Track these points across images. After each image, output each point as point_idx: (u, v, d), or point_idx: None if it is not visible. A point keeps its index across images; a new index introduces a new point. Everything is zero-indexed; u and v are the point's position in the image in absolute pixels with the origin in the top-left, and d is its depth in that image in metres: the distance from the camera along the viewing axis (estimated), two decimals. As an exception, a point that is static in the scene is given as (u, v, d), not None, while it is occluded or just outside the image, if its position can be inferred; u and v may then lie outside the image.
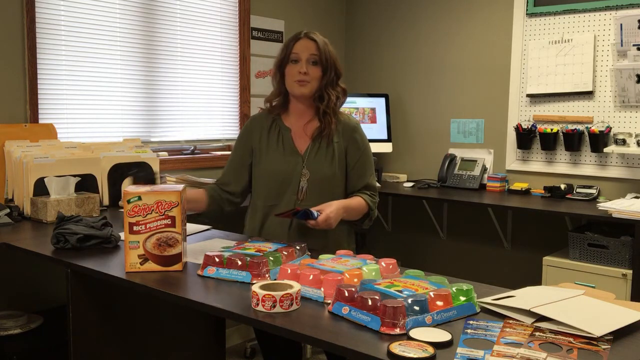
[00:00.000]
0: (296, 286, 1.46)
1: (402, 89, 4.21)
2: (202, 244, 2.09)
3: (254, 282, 1.60)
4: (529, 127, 3.60)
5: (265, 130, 2.23)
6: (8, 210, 2.43)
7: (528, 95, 3.65)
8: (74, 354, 1.92)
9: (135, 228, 1.71)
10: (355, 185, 2.23)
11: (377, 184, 2.35)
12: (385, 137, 4.04)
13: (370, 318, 1.30)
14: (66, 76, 2.99)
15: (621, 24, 3.25)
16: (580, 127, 3.43)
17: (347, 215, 2.13)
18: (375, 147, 4.05)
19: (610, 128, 3.33)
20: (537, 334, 1.27)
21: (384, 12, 4.32)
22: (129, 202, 1.70)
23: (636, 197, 3.12)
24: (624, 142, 3.23)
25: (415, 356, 1.14)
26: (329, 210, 2.02)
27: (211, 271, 1.69)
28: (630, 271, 2.86)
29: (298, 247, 1.83)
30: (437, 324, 1.32)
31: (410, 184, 3.87)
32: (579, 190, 3.41)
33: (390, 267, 1.67)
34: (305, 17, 4.18)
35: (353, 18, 4.48)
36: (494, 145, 3.84)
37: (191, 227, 2.28)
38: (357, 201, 2.19)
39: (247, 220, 2.34)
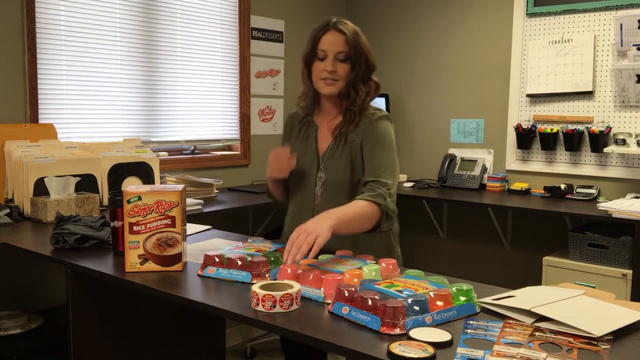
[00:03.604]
0: (296, 286, 1.46)
1: (402, 89, 4.21)
2: (202, 244, 2.08)
3: (254, 282, 1.60)
4: (529, 127, 3.60)
5: (295, 128, 2.12)
6: (8, 210, 2.43)
7: (528, 95, 3.65)
8: (74, 354, 1.92)
9: (135, 228, 1.71)
10: (365, 179, 1.93)
11: (389, 181, 1.94)
12: (385, 137, 4.03)
13: (370, 318, 1.30)
14: (66, 76, 2.99)
15: (621, 24, 3.25)
16: (580, 127, 3.43)
17: (340, 226, 1.70)
18: (375, 147, 4.08)
19: (610, 128, 3.33)
20: (537, 334, 1.27)
21: (384, 12, 4.32)
22: (129, 202, 1.70)
23: (636, 197, 3.12)
24: (624, 142, 3.23)
25: (415, 356, 1.14)
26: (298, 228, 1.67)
27: (211, 271, 1.69)
28: (630, 271, 2.86)
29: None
30: (437, 324, 1.32)
31: (410, 184, 3.87)
32: (579, 190, 3.41)
33: (390, 267, 1.67)
34: (305, 17, 4.18)
35: (353, 18, 4.45)
36: (494, 145, 3.85)
37: (191, 227, 2.28)
38: (356, 206, 1.81)
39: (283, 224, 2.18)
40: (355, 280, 1.52)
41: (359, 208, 1.80)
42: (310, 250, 1.61)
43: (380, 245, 2.05)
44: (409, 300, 1.32)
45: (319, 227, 1.64)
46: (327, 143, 2.04)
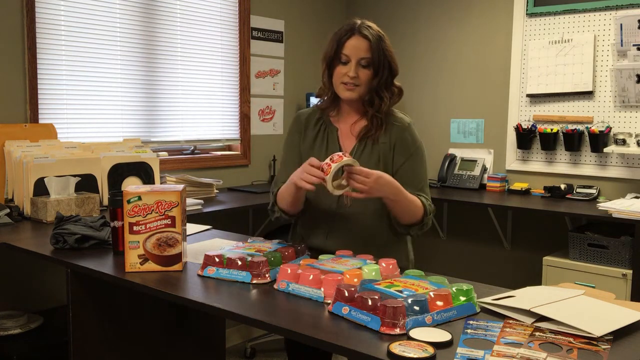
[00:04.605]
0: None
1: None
2: (202, 244, 2.08)
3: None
4: (529, 127, 3.60)
5: (310, 129, 2.05)
6: (8, 210, 2.43)
7: (528, 95, 3.65)
8: (74, 354, 1.92)
9: (135, 228, 1.71)
10: (409, 190, 1.92)
11: (429, 198, 2.02)
12: (385, 137, 4.04)
13: (370, 318, 1.30)
14: (66, 76, 2.99)
15: (621, 24, 3.25)
16: (580, 127, 3.43)
17: (395, 199, 1.84)
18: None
19: (610, 128, 3.33)
20: (537, 334, 1.27)
21: (384, 12, 4.32)
22: (129, 202, 1.70)
23: (636, 197, 3.12)
24: (624, 142, 3.23)
25: (415, 356, 1.14)
26: (380, 174, 1.77)
27: (211, 271, 1.69)
28: (630, 271, 2.86)
29: (298, 247, 1.83)
30: (437, 324, 1.32)
31: (410, 184, 3.87)
32: (579, 190, 3.41)
33: (390, 267, 1.67)
34: (305, 17, 4.18)
35: (353, 18, 4.47)
36: (494, 145, 3.84)
37: (191, 227, 2.28)
38: (413, 197, 1.90)
39: (296, 227, 2.12)
40: (355, 280, 1.52)
41: (413, 199, 1.90)
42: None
43: (396, 252, 1.99)
44: (409, 300, 1.32)
45: (383, 191, 1.79)
46: (350, 144, 2.00)
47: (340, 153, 1.79)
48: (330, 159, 1.77)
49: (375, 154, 1.97)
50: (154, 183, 2.88)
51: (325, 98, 2.03)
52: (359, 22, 1.99)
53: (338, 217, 1.98)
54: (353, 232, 1.97)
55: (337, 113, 2.05)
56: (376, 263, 1.67)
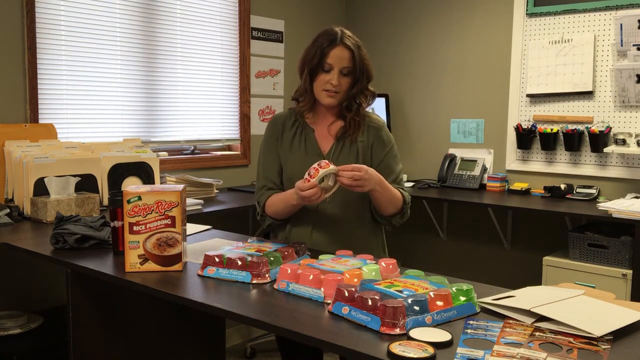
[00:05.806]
0: None
1: (402, 89, 4.21)
2: (202, 244, 2.08)
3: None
4: (529, 127, 3.60)
5: (287, 132, 2.13)
6: (8, 210, 2.43)
7: (528, 95, 3.65)
8: (74, 354, 1.92)
9: (135, 228, 1.71)
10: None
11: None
12: (385, 137, 4.04)
13: (370, 318, 1.30)
14: (66, 76, 2.99)
15: (621, 24, 3.25)
16: (580, 127, 3.43)
17: (381, 191, 1.96)
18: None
19: (610, 128, 3.33)
20: (537, 334, 1.27)
21: (384, 12, 4.32)
22: (129, 202, 1.70)
23: (636, 197, 3.12)
24: (624, 142, 3.23)
25: (415, 356, 1.14)
26: (367, 167, 1.91)
27: (211, 271, 1.69)
28: (630, 271, 2.86)
29: (298, 247, 1.83)
30: (437, 324, 1.32)
31: (410, 184, 3.87)
32: (579, 190, 3.41)
33: (390, 267, 1.67)
34: (305, 17, 4.18)
35: (353, 18, 4.48)
36: (494, 145, 3.85)
37: (191, 227, 2.28)
38: (393, 188, 2.04)
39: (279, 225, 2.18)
40: (355, 280, 1.52)
41: (394, 190, 2.03)
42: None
43: (375, 244, 2.17)
44: (409, 300, 1.32)
45: (372, 182, 1.91)
46: (328, 144, 2.10)
47: (315, 165, 1.87)
48: (308, 174, 1.86)
49: (354, 152, 2.08)
50: (154, 183, 2.88)
51: (303, 101, 2.11)
52: (339, 31, 2.06)
53: (321, 214, 2.07)
54: (336, 226, 2.07)
55: (312, 115, 2.14)
56: (376, 263, 1.67)
